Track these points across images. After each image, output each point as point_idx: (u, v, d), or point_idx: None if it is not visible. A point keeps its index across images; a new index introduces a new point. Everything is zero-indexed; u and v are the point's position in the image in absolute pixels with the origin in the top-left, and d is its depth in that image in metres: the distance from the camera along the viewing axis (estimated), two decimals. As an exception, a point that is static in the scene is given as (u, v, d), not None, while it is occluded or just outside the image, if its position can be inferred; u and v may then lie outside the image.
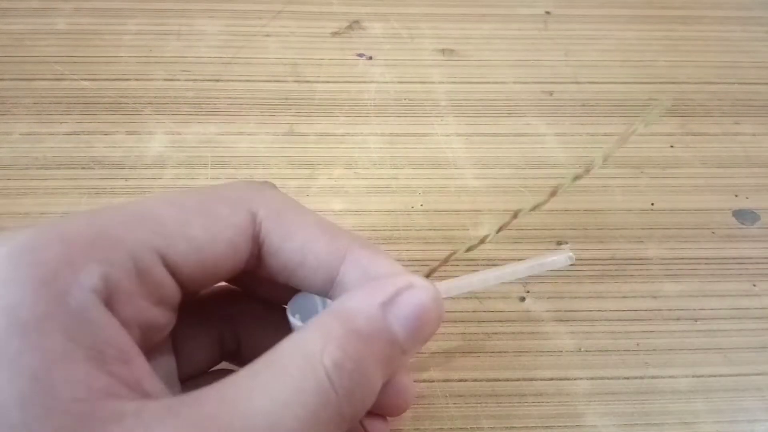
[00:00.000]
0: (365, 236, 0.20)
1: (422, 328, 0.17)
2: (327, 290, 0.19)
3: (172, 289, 0.17)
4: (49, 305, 0.14)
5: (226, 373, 0.16)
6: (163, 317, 0.17)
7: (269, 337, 0.19)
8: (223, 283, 0.21)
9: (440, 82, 0.39)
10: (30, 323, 0.13)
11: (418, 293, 0.17)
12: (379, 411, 0.20)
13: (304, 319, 0.19)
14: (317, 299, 0.20)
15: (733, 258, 0.32)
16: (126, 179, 0.33)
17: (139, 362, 0.15)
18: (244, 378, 0.15)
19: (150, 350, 0.17)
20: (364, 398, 0.16)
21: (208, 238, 0.17)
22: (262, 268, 0.19)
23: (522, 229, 0.32)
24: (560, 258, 0.23)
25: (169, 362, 0.19)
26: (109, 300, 0.15)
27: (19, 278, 0.14)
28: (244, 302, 0.22)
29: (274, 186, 0.20)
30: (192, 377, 0.21)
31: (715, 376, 0.28)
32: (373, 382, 0.16)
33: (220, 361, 0.22)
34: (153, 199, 0.17)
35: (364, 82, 0.39)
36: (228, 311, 0.21)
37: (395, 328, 0.17)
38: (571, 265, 0.23)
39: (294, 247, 0.18)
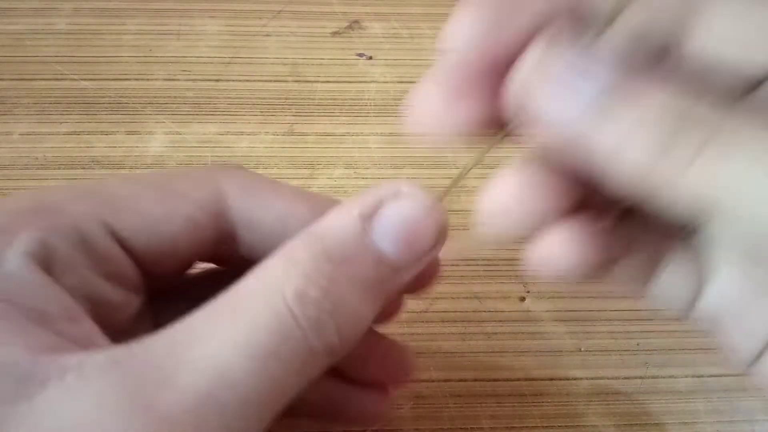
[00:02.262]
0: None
1: (416, 242, 0.15)
2: None
3: (125, 266, 0.16)
4: None
5: None
6: (116, 294, 0.16)
7: None
8: (212, 265, 0.20)
9: (440, 82, 0.39)
10: None
11: (405, 201, 0.15)
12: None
13: None
14: None
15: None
16: (126, 179, 0.33)
17: (88, 322, 0.14)
18: (198, 319, 0.14)
19: (122, 333, 0.16)
20: (341, 328, 0.14)
21: (162, 213, 0.16)
22: (242, 246, 0.17)
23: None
24: None
25: None
26: (49, 266, 0.14)
27: None
28: (230, 281, 0.21)
29: (243, 167, 0.19)
30: None
31: (715, 376, 0.28)
32: (352, 309, 0.14)
33: None
34: (107, 179, 0.17)
35: (364, 81, 0.39)
36: (215, 292, 0.20)
37: (382, 243, 0.15)
38: None
39: (272, 216, 0.17)
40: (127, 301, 0.17)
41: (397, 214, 0.15)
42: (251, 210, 0.17)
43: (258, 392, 0.13)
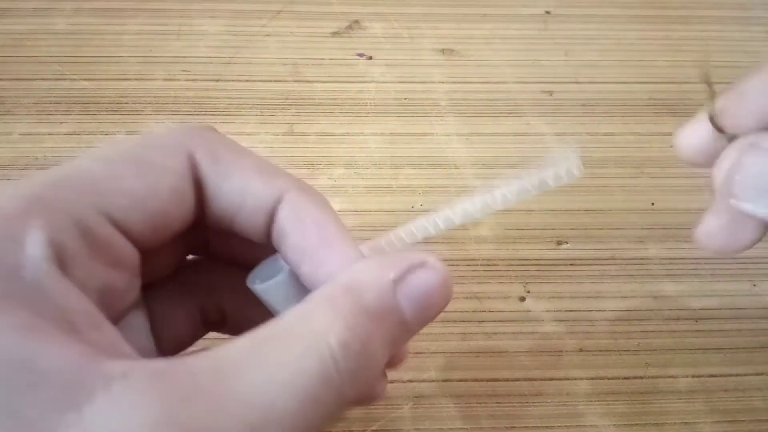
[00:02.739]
0: (350, 224, 0.19)
1: (430, 309, 0.17)
2: (267, 235, 0.18)
3: (126, 249, 0.16)
4: (4, 283, 0.13)
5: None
6: (121, 280, 0.16)
7: (253, 306, 0.18)
8: (195, 256, 0.20)
9: (440, 82, 0.39)
10: None
11: (430, 273, 0.16)
12: None
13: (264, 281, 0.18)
14: (280, 261, 0.18)
15: (733, 258, 0.32)
16: (126, 179, 0.33)
17: (109, 327, 0.14)
18: (242, 350, 0.14)
19: (118, 320, 0.16)
20: (368, 380, 0.15)
21: (146, 189, 0.16)
22: (206, 216, 0.18)
23: (522, 229, 0.32)
24: (565, 171, 0.19)
25: (144, 337, 0.18)
26: (61, 266, 0.14)
27: None
28: (220, 272, 0.21)
29: (213, 129, 0.18)
30: (176, 352, 0.20)
31: (715, 376, 0.28)
32: (378, 363, 0.16)
33: (205, 333, 0.21)
34: (78, 158, 0.16)
35: (364, 82, 0.39)
36: (205, 282, 0.21)
37: (404, 306, 0.16)
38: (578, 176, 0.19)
39: (233, 187, 0.17)
40: (131, 285, 0.17)
41: (423, 283, 0.16)
42: (218, 179, 0.17)
43: (297, 429, 0.14)
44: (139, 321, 0.18)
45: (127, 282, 0.16)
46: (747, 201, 0.16)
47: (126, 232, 0.16)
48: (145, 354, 0.17)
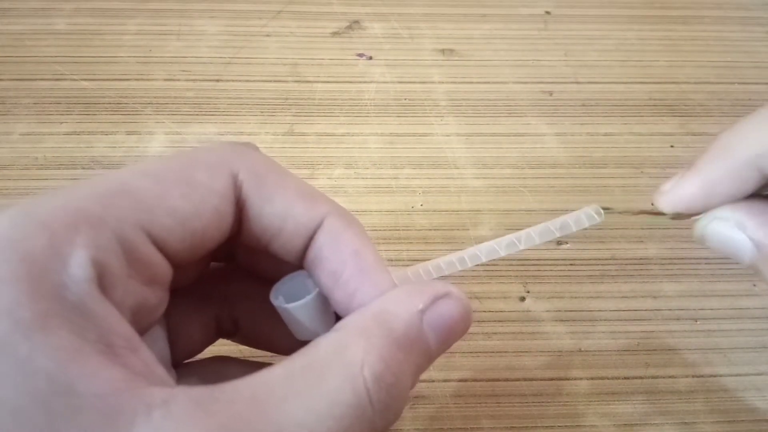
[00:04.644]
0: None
1: (451, 338, 0.17)
2: (301, 258, 0.18)
3: (162, 267, 0.16)
4: (48, 302, 0.13)
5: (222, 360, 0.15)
6: (154, 297, 0.16)
7: (267, 318, 0.19)
8: (215, 263, 0.20)
9: (440, 82, 0.39)
10: (33, 323, 0.13)
11: (454, 303, 0.17)
12: None
13: (289, 301, 0.18)
14: (306, 279, 0.19)
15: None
16: (126, 179, 0.33)
17: (145, 350, 0.14)
18: (278, 379, 0.14)
19: (144, 332, 0.17)
20: (397, 411, 0.16)
21: (191, 209, 0.16)
22: (242, 234, 0.18)
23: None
24: (584, 215, 0.20)
25: (162, 346, 0.19)
26: (102, 286, 0.14)
27: (11, 276, 0.13)
28: (238, 281, 0.21)
29: (256, 147, 0.19)
30: (186, 359, 0.20)
31: (715, 376, 0.28)
32: (407, 393, 0.16)
33: (215, 341, 0.21)
34: (125, 172, 0.16)
35: (364, 82, 0.39)
36: (222, 291, 0.21)
37: (428, 335, 0.17)
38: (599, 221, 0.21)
39: (274, 211, 0.17)
40: (163, 301, 0.17)
41: (447, 312, 0.17)
42: (260, 201, 0.17)
43: None
44: (159, 330, 0.18)
45: (160, 298, 0.17)
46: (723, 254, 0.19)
47: (164, 250, 0.16)
48: (161, 361, 0.18)
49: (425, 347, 0.16)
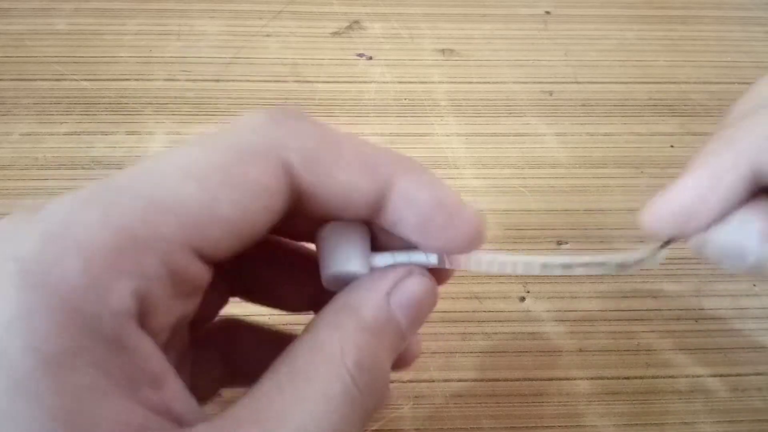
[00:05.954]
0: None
1: (420, 314, 0.18)
2: (375, 218, 0.17)
3: (205, 276, 0.15)
4: (80, 337, 0.12)
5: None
6: (192, 307, 0.16)
7: (277, 276, 0.19)
8: None
9: (440, 82, 0.39)
10: (59, 359, 0.12)
11: (416, 280, 0.18)
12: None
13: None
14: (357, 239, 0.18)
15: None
16: (126, 179, 0.33)
17: (170, 383, 0.14)
18: (271, 393, 0.15)
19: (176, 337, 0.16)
20: (382, 389, 0.16)
21: (241, 216, 0.15)
22: (298, 215, 0.17)
23: (522, 229, 0.32)
24: (647, 257, 0.21)
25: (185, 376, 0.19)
26: (143, 315, 0.13)
27: (42, 306, 0.12)
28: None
29: (304, 117, 0.17)
30: (205, 323, 0.20)
31: (715, 376, 0.28)
32: (386, 371, 0.17)
33: (228, 300, 0.21)
34: (168, 171, 0.14)
35: (364, 82, 0.39)
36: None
37: (398, 316, 0.17)
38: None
39: (337, 189, 0.16)
40: (196, 306, 0.16)
41: (412, 291, 0.17)
42: (319, 182, 0.16)
43: None
44: (183, 365, 0.18)
45: (196, 305, 0.16)
46: (720, 263, 0.19)
47: (211, 261, 0.15)
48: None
49: (396, 328, 0.17)
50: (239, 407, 0.14)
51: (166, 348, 0.15)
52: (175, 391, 0.14)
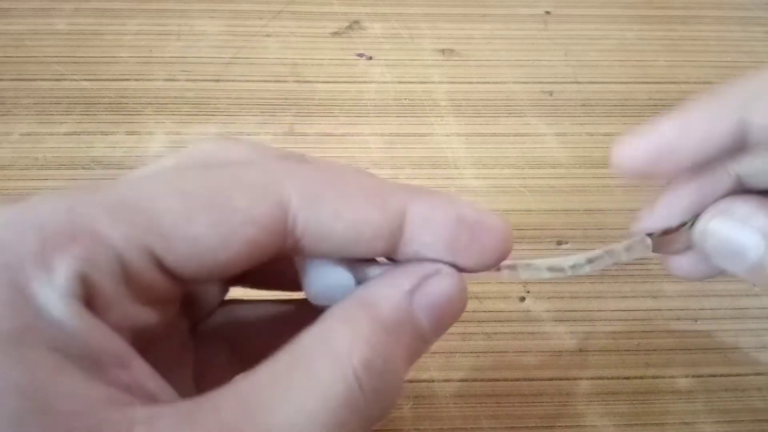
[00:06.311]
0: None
1: (446, 318, 0.16)
2: (394, 253, 0.16)
3: (168, 289, 0.15)
4: (28, 315, 0.12)
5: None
6: (158, 316, 0.15)
7: (277, 269, 0.18)
8: None
9: (440, 82, 0.39)
10: (9, 336, 0.12)
11: (445, 280, 0.16)
12: None
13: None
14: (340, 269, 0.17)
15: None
16: (126, 179, 0.33)
17: (138, 364, 0.14)
18: (264, 380, 0.14)
19: (160, 356, 0.16)
20: (391, 397, 0.15)
21: (216, 240, 0.14)
22: (302, 252, 0.16)
23: (522, 229, 0.32)
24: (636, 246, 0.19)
25: (186, 374, 0.18)
26: (91, 302, 0.13)
27: None
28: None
29: (306, 159, 0.17)
30: (208, 316, 0.20)
31: (715, 376, 0.28)
32: (400, 378, 0.15)
33: (228, 291, 0.21)
34: (154, 181, 0.15)
35: (364, 82, 0.39)
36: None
37: (420, 317, 0.16)
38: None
39: (345, 228, 0.15)
40: (166, 318, 0.16)
41: (438, 291, 0.16)
42: (324, 221, 0.15)
43: None
44: (183, 358, 0.18)
45: (163, 316, 0.16)
46: (718, 261, 0.18)
47: (176, 276, 0.15)
48: (187, 391, 0.17)
49: (417, 329, 0.16)
50: (224, 390, 0.13)
51: (158, 346, 0.15)
52: (144, 371, 0.14)
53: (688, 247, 0.19)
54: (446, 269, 0.16)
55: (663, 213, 0.19)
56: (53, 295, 0.12)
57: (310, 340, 0.14)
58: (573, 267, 0.18)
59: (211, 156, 0.16)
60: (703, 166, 0.18)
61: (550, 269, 0.18)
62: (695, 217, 0.18)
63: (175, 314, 0.17)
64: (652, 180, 0.18)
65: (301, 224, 0.15)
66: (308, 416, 0.13)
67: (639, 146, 0.18)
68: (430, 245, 0.16)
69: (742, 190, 0.18)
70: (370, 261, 0.17)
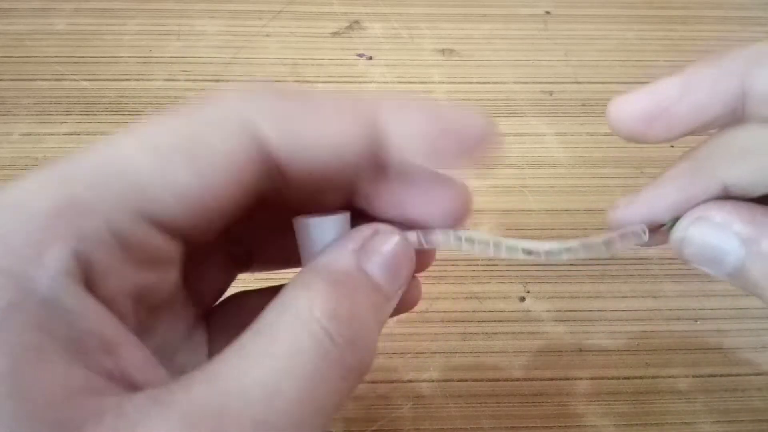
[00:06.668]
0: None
1: (398, 271, 0.17)
2: (377, 161, 0.16)
3: (166, 247, 0.15)
4: (16, 295, 0.12)
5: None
6: (158, 277, 0.15)
7: (282, 242, 0.18)
8: None
9: (440, 82, 0.39)
10: None
11: (385, 237, 0.17)
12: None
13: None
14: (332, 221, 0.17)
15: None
16: (126, 179, 0.33)
17: (126, 349, 0.14)
18: (231, 354, 0.14)
19: (158, 311, 0.16)
20: (367, 347, 0.15)
21: (199, 183, 0.14)
22: (291, 183, 0.16)
23: (522, 229, 0.32)
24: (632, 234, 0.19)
25: (185, 309, 0.18)
26: (89, 278, 0.13)
27: None
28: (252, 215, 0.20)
29: (273, 88, 0.16)
30: (214, 302, 0.20)
31: (715, 376, 0.28)
32: (371, 331, 0.15)
33: (236, 276, 0.21)
34: (123, 142, 0.15)
35: (364, 82, 0.39)
36: (236, 229, 0.19)
37: (374, 273, 0.16)
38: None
39: (322, 146, 0.15)
40: (167, 277, 0.16)
41: (382, 247, 0.17)
42: (296, 144, 0.15)
43: (308, 414, 0.13)
44: (197, 350, 0.18)
45: (166, 276, 0.16)
46: (698, 266, 0.18)
47: (168, 230, 0.15)
48: (187, 329, 0.17)
49: (372, 283, 0.16)
50: (194, 371, 0.13)
51: (165, 325, 0.15)
52: (135, 359, 0.14)
53: (664, 243, 0.19)
54: (383, 227, 0.17)
55: (642, 209, 0.18)
56: (43, 275, 0.12)
57: (270, 311, 0.15)
58: (548, 252, 0.18)
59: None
60: (698, 131, 0.17)
61: (526, 251, 0.18)
62: (674, 219, 0.18)
63: (178, 281, 0.16)
64: (645, 142, 0.17)
65: (281, 151, 0.15)
66: (279, 372, 0.13)
67: (637, 103, 0.18)
68: (410, 144, 0.16)
69: (725, 196, 0.18)
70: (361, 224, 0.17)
